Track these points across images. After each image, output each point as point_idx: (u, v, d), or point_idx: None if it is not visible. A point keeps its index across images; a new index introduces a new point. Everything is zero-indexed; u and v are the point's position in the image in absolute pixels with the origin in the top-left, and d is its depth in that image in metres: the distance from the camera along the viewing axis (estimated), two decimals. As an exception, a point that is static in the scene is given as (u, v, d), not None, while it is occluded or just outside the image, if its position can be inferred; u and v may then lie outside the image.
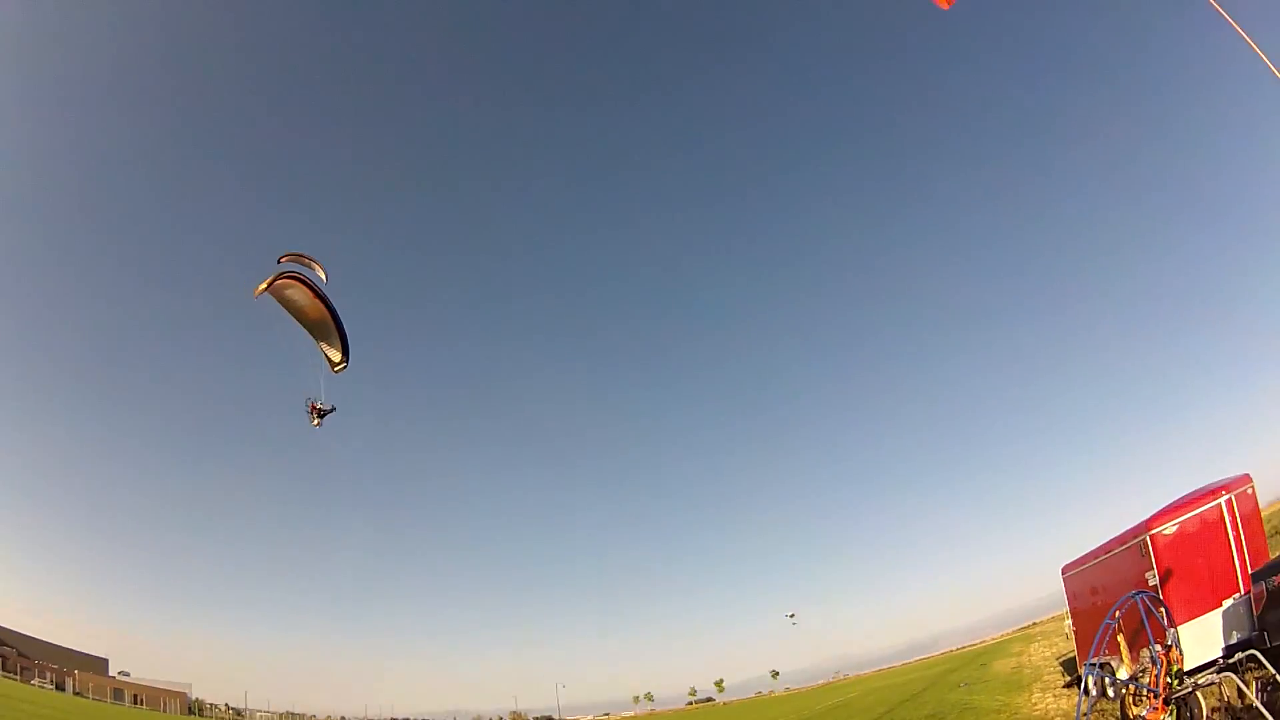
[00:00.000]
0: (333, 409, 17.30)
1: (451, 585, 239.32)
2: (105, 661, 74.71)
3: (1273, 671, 8.84)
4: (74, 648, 70.70)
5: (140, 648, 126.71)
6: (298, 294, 16.12)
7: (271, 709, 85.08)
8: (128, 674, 72.83)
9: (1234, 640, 11.98)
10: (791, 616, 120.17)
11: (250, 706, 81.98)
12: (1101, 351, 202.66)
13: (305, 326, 16.77)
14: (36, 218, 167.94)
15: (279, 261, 24.99)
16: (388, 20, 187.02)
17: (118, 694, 64.25)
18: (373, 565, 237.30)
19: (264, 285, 15.51)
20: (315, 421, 17.08)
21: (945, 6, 11.28)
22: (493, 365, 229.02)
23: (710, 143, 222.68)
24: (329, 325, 16.78)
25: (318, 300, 16.30)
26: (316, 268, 25.88)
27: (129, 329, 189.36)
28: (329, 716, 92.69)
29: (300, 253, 25.03)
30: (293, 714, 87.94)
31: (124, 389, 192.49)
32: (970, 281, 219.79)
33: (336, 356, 17.11)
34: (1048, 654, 34.68)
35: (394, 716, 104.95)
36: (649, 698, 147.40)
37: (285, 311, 16.41)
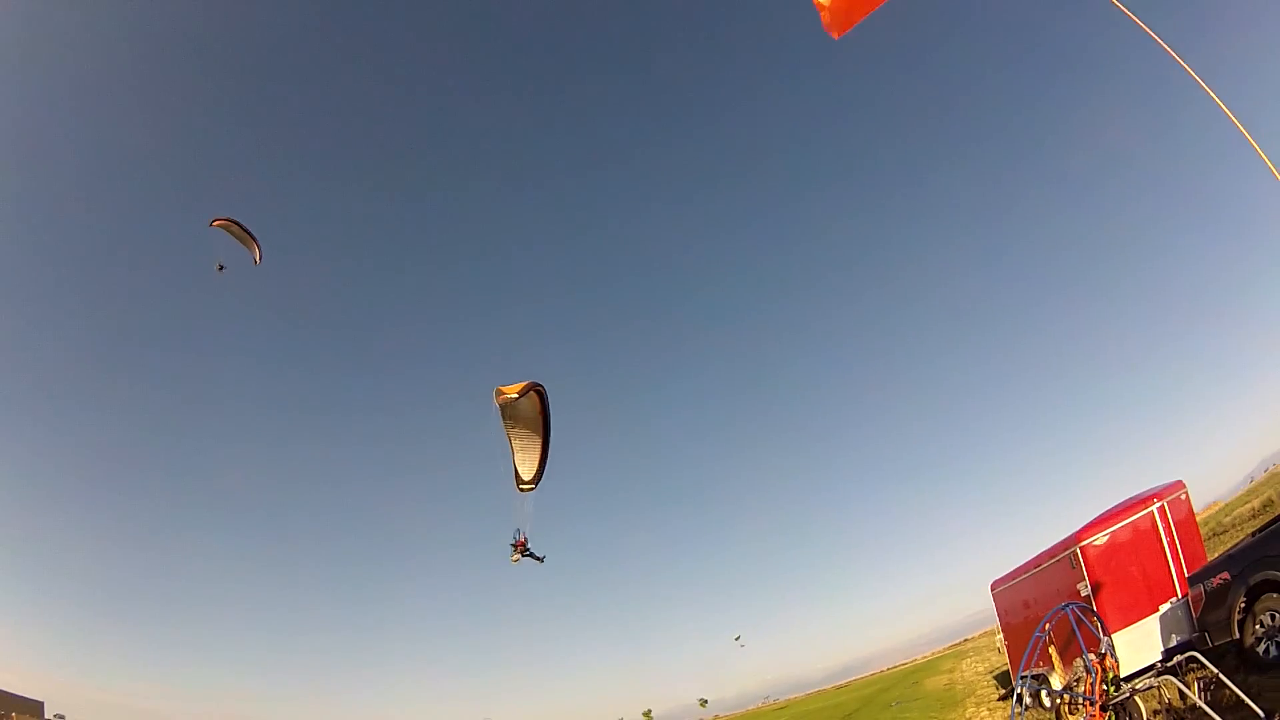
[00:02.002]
0: (541, 559, 17.17)
1: (376, 619, 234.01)
2: (40, 704, 73.61)
3: (1214, 671, 9.15)
4: (8, 690, 70.29)
5: (76, 690, 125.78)
6: (527, 403, 15.83)
7: None
8: (63, 717, 73.20)
9: (1173, 643, 12.46)
10: (739, 639, 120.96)
11: None
12: (1030, 367, 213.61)
13: (511, 434, 16.34)
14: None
15: (211, 225, 24.84)
16: (388, 20, 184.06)
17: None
18: (290, 606, 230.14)
19: (515, 392, 15.27)
20: (515, 558, 16.84)
21: (836, 37, 11.44)
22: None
23: (709, 141, 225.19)
24: (539, 442, 16.56)
25: (543, 414, 16.18)
26: (253, 246, 25.69)
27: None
28: None
29: (235, 220, 24.93)
30: None
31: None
32: (901, 298, 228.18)
33: (528, 476, 16.75)
34: (980, 669, 35.85)
35: None
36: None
37: (502, 414, 15.95)
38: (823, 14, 10.99)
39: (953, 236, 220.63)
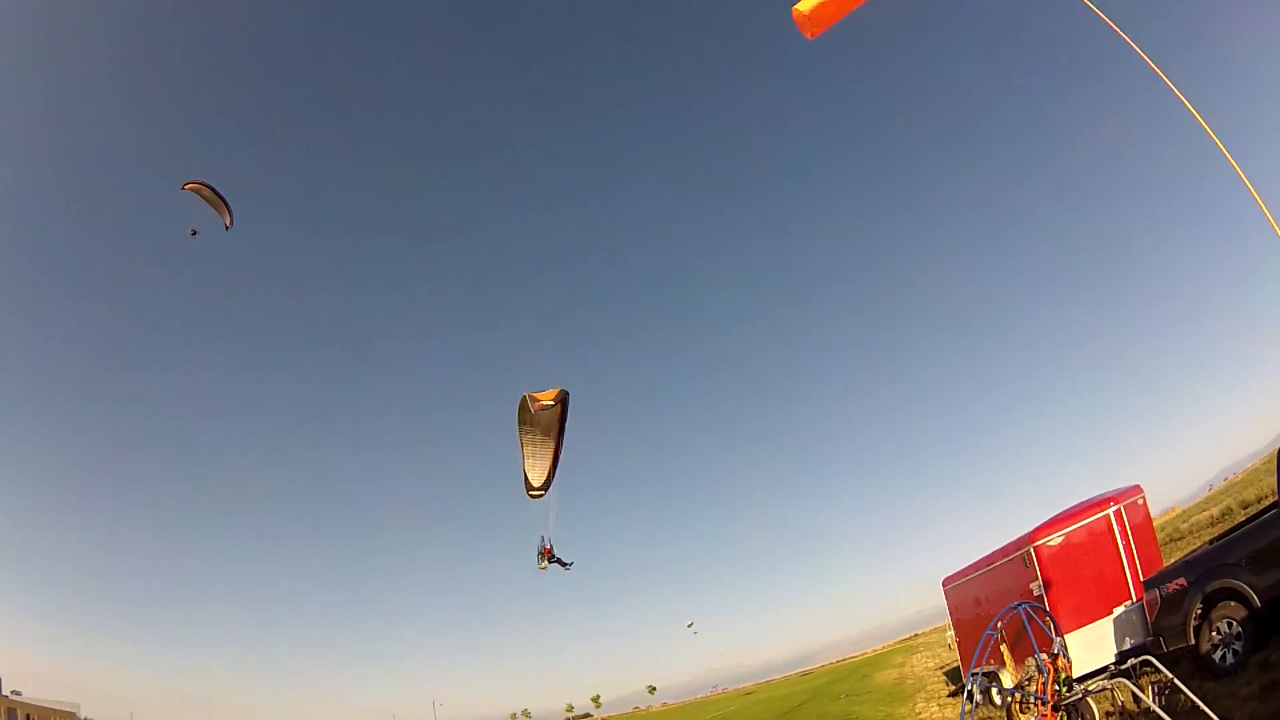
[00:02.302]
0: (570, 565, 17.27)
1: (328, 603, 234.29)
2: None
3: (1169, 675, 9.19)
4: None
5: (27, 665, 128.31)
6: (547, 412, 15.87)
7: None
8: (20, 693, 71.25)
9: (1127, 646, 12.60)
10: (690, 625, 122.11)
11: None
12: (990, 365, 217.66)
13: (525, 439, 16.35)
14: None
15: (183, 188, 24.87)
16: (390, 20, 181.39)
17: (11, 714, 63.44)
18: (253, 588, 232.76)
19: (551, 399, 15.53)
20: (543, 565, 16.88)
21: (810, 38, 11.61)
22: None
23: (710, 145, 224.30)
24: (552, 448, 16.49)
25: (560, 421, 16.24)
26: (224, 211, 25.55)
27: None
28: None
29: (207, 184, 24.79)
30: None
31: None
32: (850, 294, 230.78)
33: (538, 482, 16.62)
34: (930, 665, 36.46)
35: None
36: (526, 714, 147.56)
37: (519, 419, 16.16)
38: (796, 15, 11.11)
39: (912, 240, 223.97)
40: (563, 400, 15.91)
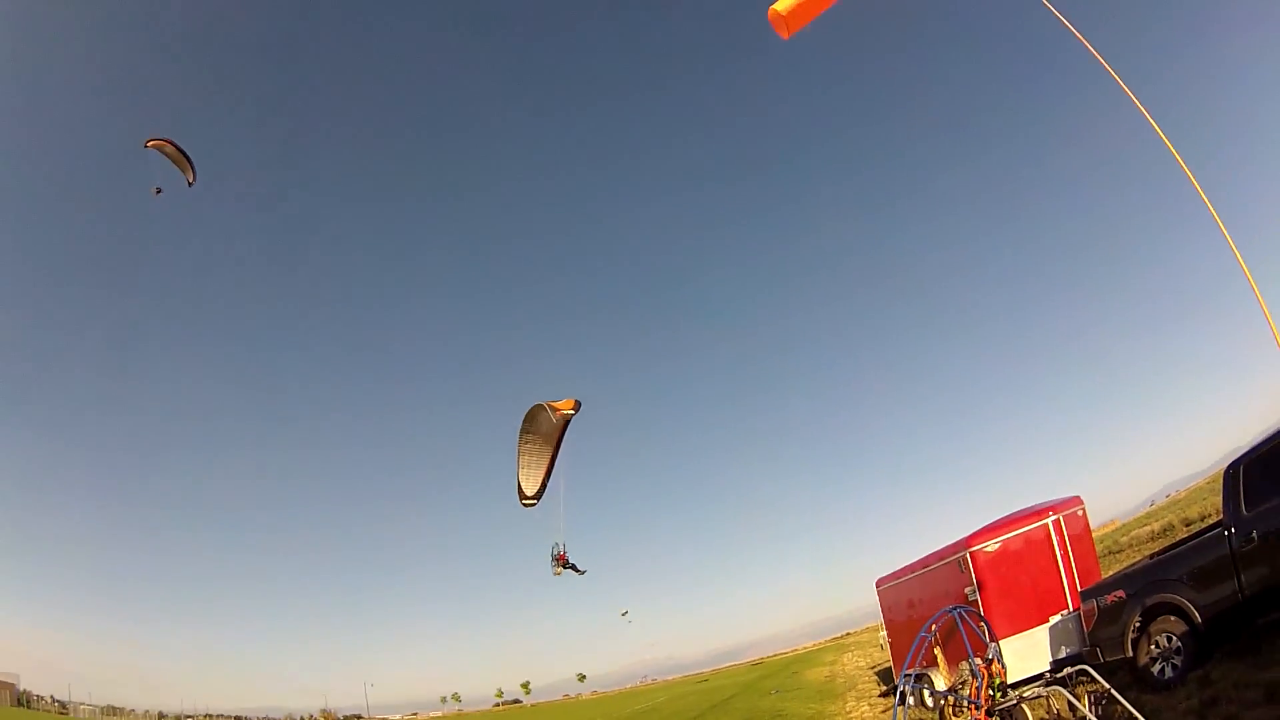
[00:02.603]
0: (584, 572, 17.58)
1: (265, 582, 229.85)
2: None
3: (1105, 685, 9.25)
4: None
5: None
6: (553, 418, 16.07)
7: (93, 702, 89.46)
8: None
9: (1062, 655, 12.74)
10: (625, 614, 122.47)
11: (74, 699, 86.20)
12: (941, 374, 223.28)
13: (524, 447, 16.60)
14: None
15: (146, 145, 24.91)
16: (391, 20, 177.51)
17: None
18: (193, 561, 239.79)
19: (568, 407, 15.71)
20: (558, 571, 17.17)
21: (785, 37, 11.96)
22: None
23: (710, 141, 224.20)
24: (549, 458, 16.75)
25: (561, 432, 16.40)
26: (187, 168, 25.98)
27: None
28: (147, 712, 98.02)
29: (171, 140, 25.03)
30: (114, 708, 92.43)
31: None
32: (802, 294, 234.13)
33: (531, 491, 16.92)
34: (862, 664, 37.02)
35: (209, 713, 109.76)
36: (456, 698, 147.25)
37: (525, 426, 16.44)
38: (772, 14, 11.45)
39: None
40: (577, 409, 16.10)
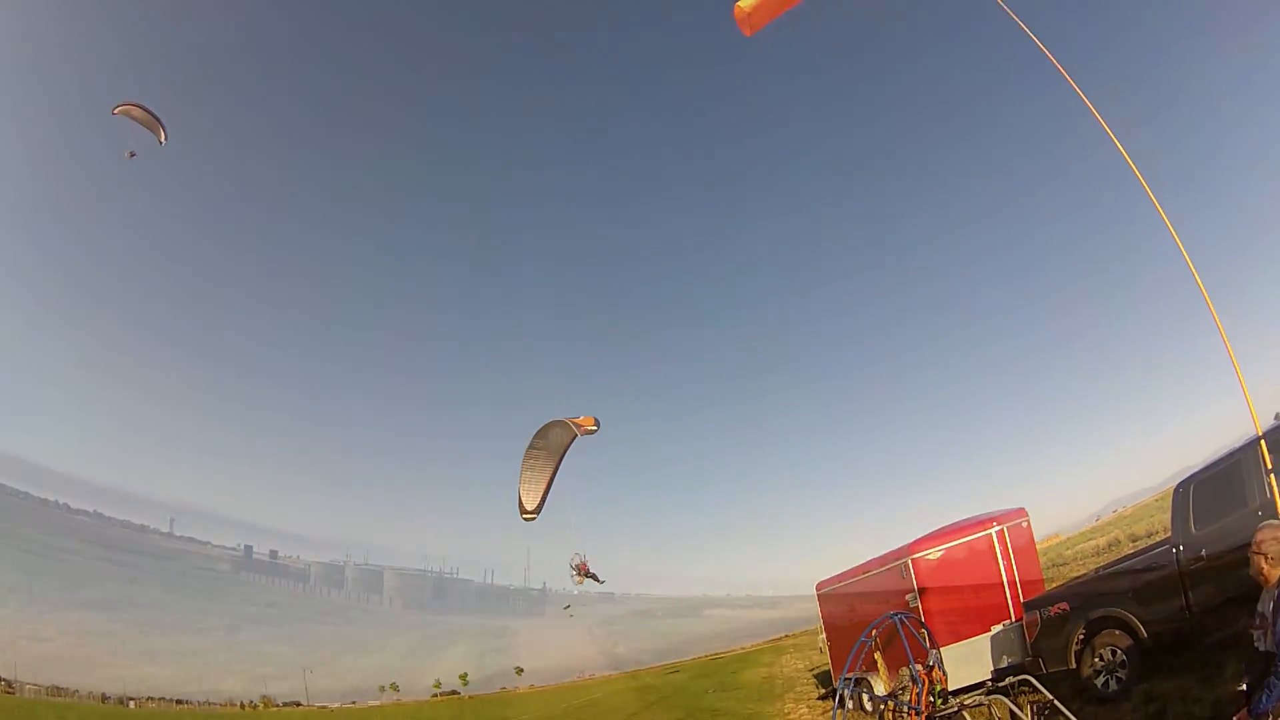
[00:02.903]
0: (604, 581, 17.85)
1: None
2: None
3: (1048, 695, 9.30)
4: None
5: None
6: (563, 433, 16.36)
7: (39, 683, 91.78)
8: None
9: (1004, 665, 12.85)
10: (568, 608, 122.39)
11: (19, 679, 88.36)
12: (891, 381, 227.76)
13: (531, 459, 16.70)
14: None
15: (113, 112, 25.04)
16: (393, 20, 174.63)
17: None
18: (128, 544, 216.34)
19: (590, 423, 16.07)
20: (579, 580, 17.37)
21: (748, 34, 12.34)
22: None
23: (711, 140, 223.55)
24: (550, 473, 16.84)
25: (565, 448, 16.63)
26: (158, 128, 26.10)
27: None
28: (90, 693, 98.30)
29: (138, 104, 25.30)
30: (58, 688, 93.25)
31: None
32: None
33: (531, 505, 16.97)
34: (800, 666, 37.23)
35: (151, 696, 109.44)
36: (394, 688, 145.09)
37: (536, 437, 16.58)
38: (737, 12, 11.85)
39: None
40: (597, 426, 16.39)
